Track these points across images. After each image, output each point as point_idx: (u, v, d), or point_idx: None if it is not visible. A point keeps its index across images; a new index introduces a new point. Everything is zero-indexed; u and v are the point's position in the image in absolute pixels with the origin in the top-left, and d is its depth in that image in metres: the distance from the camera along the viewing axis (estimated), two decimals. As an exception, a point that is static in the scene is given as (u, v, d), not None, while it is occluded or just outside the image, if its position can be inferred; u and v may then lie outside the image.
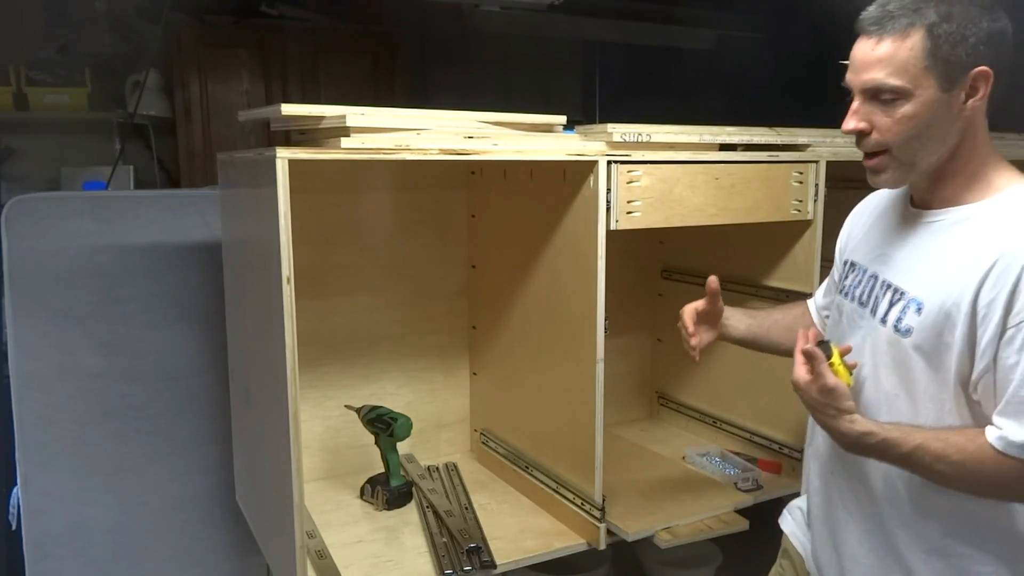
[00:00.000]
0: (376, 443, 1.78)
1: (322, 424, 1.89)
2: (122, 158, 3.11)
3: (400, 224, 1.92)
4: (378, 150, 1.32)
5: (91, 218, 1.92)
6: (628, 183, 1.53)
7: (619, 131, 1.55)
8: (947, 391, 1.13)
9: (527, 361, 1.80)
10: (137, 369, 1.96)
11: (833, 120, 1.68)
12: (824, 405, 1.14)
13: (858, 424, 1.13)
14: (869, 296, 1.25)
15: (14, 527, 1.97)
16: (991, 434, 1.07)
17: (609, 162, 1.50)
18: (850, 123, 1.17)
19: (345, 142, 1.31)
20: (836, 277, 1.42)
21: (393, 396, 1.95)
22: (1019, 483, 1.07)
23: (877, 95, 1.14)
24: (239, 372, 1.77)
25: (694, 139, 1.65)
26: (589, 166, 1.51)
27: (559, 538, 1.62)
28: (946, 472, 1.10)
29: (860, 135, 1.17)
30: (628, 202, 1.53)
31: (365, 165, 1.33)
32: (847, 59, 1.22)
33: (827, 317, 1.46)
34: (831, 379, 1.13)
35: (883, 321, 1.20)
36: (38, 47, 3.27)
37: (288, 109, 1.34)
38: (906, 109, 1.12)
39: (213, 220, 1.94)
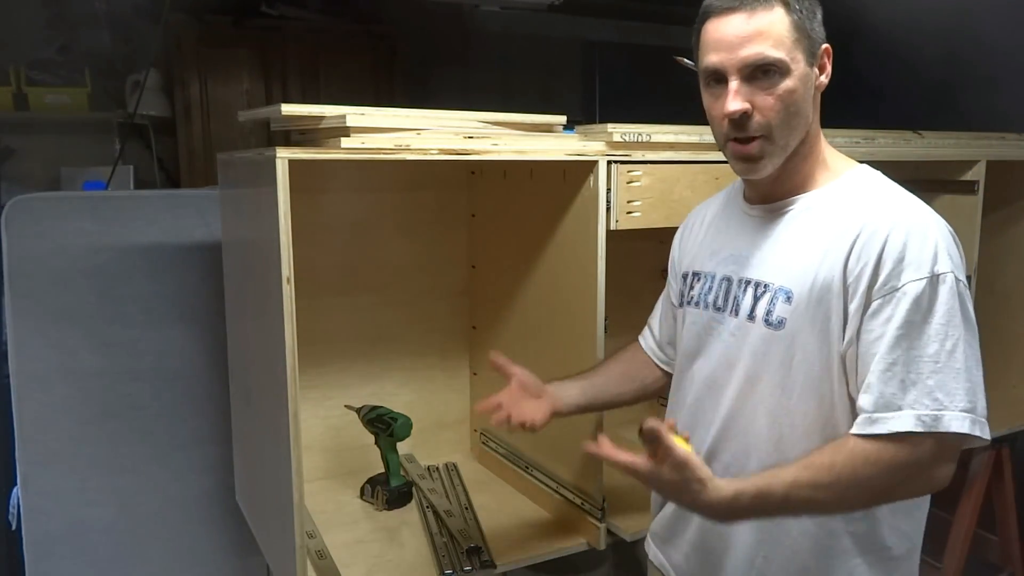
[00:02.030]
0: (376, 443, 1.77)
1: (322, 424, 1.89)
2: (122, 158, 3.11)
3: (400, 224, 1.92)
4: (378, 150, 1.32)
5: (91, 218, 1.92)
6: (628, 183, 1.53)
7: (619, 131, 1.55)
8: (828, 379, 1.09)
9: (527, 361, 1.79)
10: (137, 369, 1.96)
11: (832, 120, 1.68)
12: (683, 482, 1.02)
13: (724, 489, 1.02)
14: (726, 298, 1.20)
15: (14, 527, 1.97)
16: (854, 427, 1.04)
17: (609, 162, 1.50)
18: (735, 104, 1.08)
19: (345, 142, 1.30)
20: (674, 297, 1.39)
21: (393, 396, 1.94)
22: (899, 469, 1.02)
23: (756, 72, 1.08)
24: (239, 372, 1.77)
25: (694, 139, 1.65)
26: (589, 166, 1.51)
27: (559, 538, 1.62)
28: (828, 499, 1.03)
29: (743, 118, 1.09)
30: (628, 202, 1.53)
31: (365, 165, 1.33)
32: (687, 56, 1.20)
33: (669, 343, 1.43)
34: (680, 451, 1.01)
35: (751, 317, 1.15)
36: (38, 47, 3.26)
37: (288, 109, 1.34)
38: (787, 84, 1.08)
39: (213, 220, 1.94)
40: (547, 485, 1.72)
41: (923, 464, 1.03)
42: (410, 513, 1.73)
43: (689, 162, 1.60)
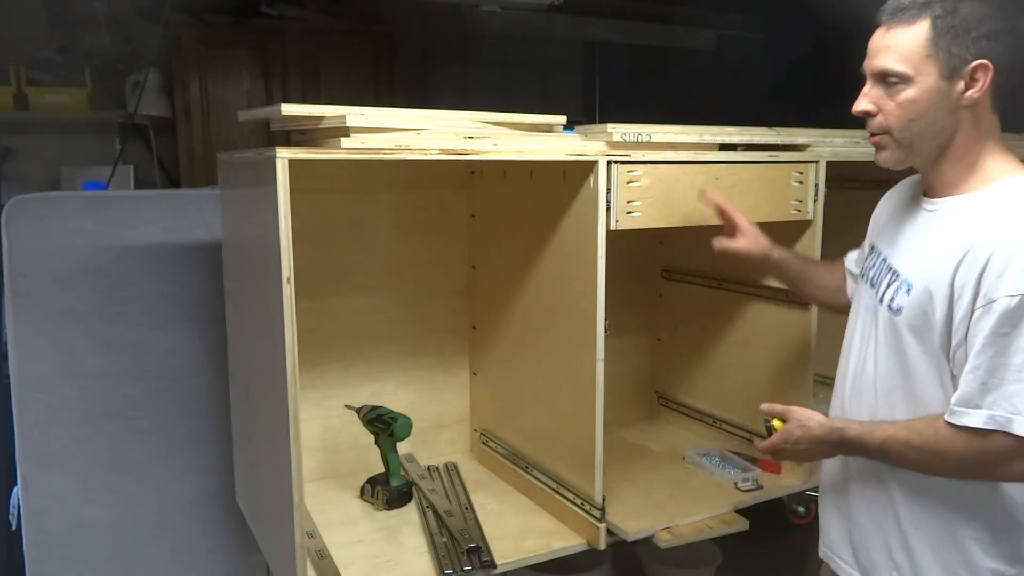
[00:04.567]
0: (376, 443, 1.78)
1: (322, 424, 1.89)
2: (122, 158, 3.11)
3: (400, 224, 1.92)
4: (378, 150, 1.32)
5: (91, 218, 1.92)
6: (628, 183, 1.53)
7: (619, 131, 1.55)
8: (934, 366, 1.22)
9: (527, 361, 1.80)
10: (137, 369, 1.97)
11: (833, 120, 1.68)
12: (796, 427, 1.29)
13: (834, 422, 1.29)
14: (879, 278, 1.34)
15: (14, 527, 1.97)
16: (947, 413, 1.16)
17: (609, 162, 1.50)
18: (860, 104, 1.26)
19: (345, 142, 1.31)
20: (863, 257, 1.50)
21: (393, 396, 1.95)
22: (971, 456, 1.15)
23: (884, 79, 1.22)
24: (239, 372, 1.77)
25: (694, 139, 1.65)
26: (589, 166, 1.51)
27: (559, 538, 1.62)
28: (914, 457, 1.21)
29: (867, 116, 1.26)
30: (628, 202, 1.53)
31: (365, 165, 1.33)
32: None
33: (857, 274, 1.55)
34: (794, 409, 1.31)
35: (881, 300, 1.30)
36: (38, 47, 3.26)
37: (288, 109, 1.34)
38: (907, 94, 1.20)
39: (213, 220, 1.94)
40: (547, 485, 1.72)
41: (997, 456, 1.15)
42: (410, 513, 1.73)
43: (689, 162, 1.61)
